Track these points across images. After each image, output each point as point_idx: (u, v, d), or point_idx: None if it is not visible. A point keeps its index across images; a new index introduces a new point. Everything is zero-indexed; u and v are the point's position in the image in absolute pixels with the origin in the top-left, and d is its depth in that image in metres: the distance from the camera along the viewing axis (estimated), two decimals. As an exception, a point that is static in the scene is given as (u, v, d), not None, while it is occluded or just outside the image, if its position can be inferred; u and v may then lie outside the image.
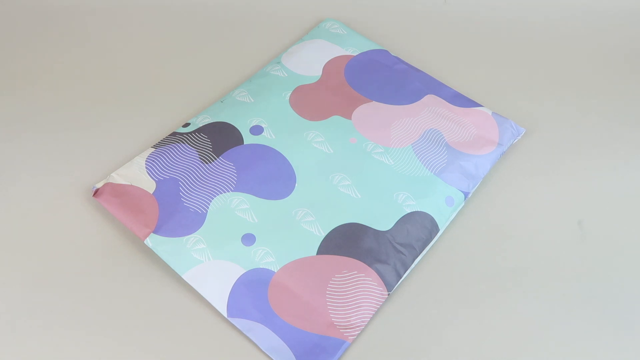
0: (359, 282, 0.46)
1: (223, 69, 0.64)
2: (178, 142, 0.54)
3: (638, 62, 0.66)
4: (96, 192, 0.51)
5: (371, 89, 0.60)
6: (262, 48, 0.66)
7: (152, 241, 0.47)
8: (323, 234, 0.48)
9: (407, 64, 0.63)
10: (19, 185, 0.53)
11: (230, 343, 0.44)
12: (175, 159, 0.53)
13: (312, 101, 0.58)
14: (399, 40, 0.68)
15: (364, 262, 0.47)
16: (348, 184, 0.51)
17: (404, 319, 0.46)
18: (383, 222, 0.49)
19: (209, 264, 0.47)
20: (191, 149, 0.54)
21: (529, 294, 0.48)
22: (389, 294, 0.46)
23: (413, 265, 0.48)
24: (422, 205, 0.50)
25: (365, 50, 0.64)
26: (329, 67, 0.62)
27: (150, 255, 0.49)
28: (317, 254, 0.47)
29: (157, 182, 0.51)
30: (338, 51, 0.63)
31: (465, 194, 0.52)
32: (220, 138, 0.54)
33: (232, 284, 0.46)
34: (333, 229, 0.49)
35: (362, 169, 0.53)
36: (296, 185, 0.51)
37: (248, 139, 0.54)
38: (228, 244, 0.48)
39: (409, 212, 0.50)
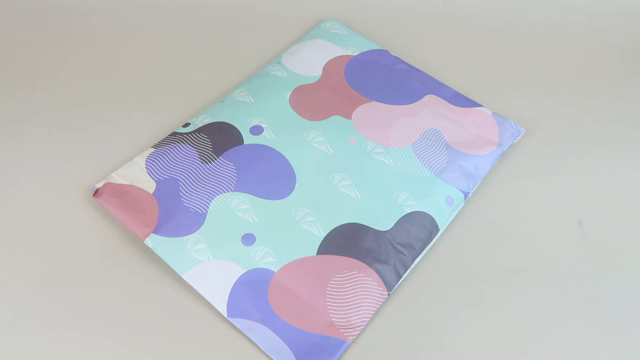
0: (359, 282, 0.46)
1: (223, 69, 0.64)
2: (178, 142, 0.54)
3: (638, 62, 0.66)
4: (96, 192, 0.51)
5: (371, 89, 0.60)
6: (262, 48, 0.66)
7: (152, 241, 0.47)
8: (323, 234, 0.48)
9: (407, 64, 0.63)
10: (19, 185, 0.53)
11: (230, 343, 0.44)
12: (175, 159, 0.53)
13: (312, 101, 0.58)
14: (399, 40, 0.68)
15: (364, 262, 0.47)
16: (348, 184, 0.51)
17: (404, 319, 0.46)
18: (383, 222, 0.49)
19: (209, 264, 0.47)
20: (191, 149, 0.54)
21: (529, 294, 0.48)
22: (389, 294, 0.46)
23: (413, 265, 0.48)
24: (422, 205, 0.50)
25: (365, 50, 0.64)
26: (329, 67, 0.62)
27: (150, 255, 0.49)
28: (317, 254, 0.47)
29: (157, 182, 0.51)
30: (338, 51, 0.63)
31: (465, 194, 0.52)
32: (220, 138, 0.54)
33: (232, 284, 0.46)
34: (333, 229, 0.49)
35: (362, 169, 0.53)
36: (296, 185, 0.51)
37: (248, 139, 0.54)
38: (228, 244, 0.48)
39: (409, 212, 0.50)
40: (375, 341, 0.45)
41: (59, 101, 0.60)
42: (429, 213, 0.50)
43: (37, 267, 0.48)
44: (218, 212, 0.49)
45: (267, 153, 0.53)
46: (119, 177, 0.51)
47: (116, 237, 0.50)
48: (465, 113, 0.58)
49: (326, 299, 0.45)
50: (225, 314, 0.45)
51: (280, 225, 0.49)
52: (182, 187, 0.51)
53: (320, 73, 0.61)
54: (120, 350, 0.44)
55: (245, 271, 0.46)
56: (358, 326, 0.45)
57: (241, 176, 0.52)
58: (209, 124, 0.56)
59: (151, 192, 0.50)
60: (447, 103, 0.59)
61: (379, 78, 0.61)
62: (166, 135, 0.56)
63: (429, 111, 0.58)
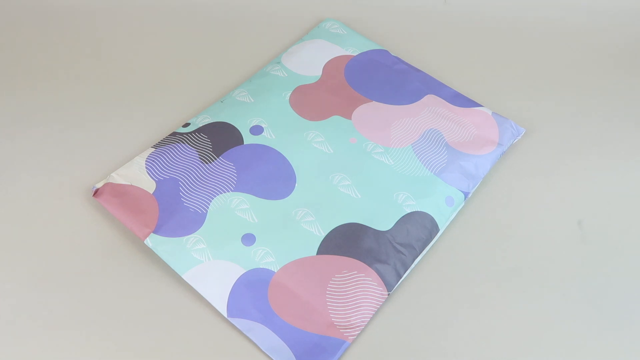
0: (359, 282, 0.46)
1: (223, 69, 0.64)
2: (178, 142, 0.54)
3: (638, 62, 0.66)
4: (96, 192, 0.51)
5: (371, 89, 0.60)
6: (262, 48, 0.66)
7: (152, 241, 0.47)
8: (323, 234, 0.48)
9: (407, 64, 0.63)
10: (19, 185, 0.53)
11: (230, 343, 0.44)
12: (175, 159, 0.53)
13: (312, 101, 0.58)
14: (399, 40, 0.68)
15: (364, 262, 0.47)
16: (348, 184, 0.51)
17: (404, 319, 0.46)
18: (383, 222, 0.49)
19: (209, 264, 0.47)
20: (191, 149, 0.54)
21: (529, 294, 0.48)
22: (389, 294, 0.46)
23: (413, 265, 0.48)
24: (422, 205, 0.50)
25: (365, 50, 0.64)
26: (329, 67, 0.62)
27: (150, 255, 0.49)
28: (317, 254, 0.47)
29: (157, 182, 0.51)
30: (338, 51, 0.64)
31: (465, 194, 0.52)
32: (220, 138, 0.54)
33: (232, 284, 0.46)
34: (333, 229, 0.49)
35: (362, 169, 0.53)
36: (296, 185, 0.51)
37: (248, 139, 0.54)
38: (228, 244, 0.48)
39: (409, 212, 0.50)
40: (375, 341, 0.45)
41: (59, 101, 0.60)
42: (429, 213, 0.50)
43: (37, 267, 0.48)
44: (218, 212, 0.49)
45: (267, 153, 0.53)
46: (119, 177, 0.51)
47: (116, 237, 0.50)
48: (465, 113, 0.58)
49: (326, 299, 0.45)
50: (225, 314, 0.45)
51: (280, 225, 0.49)
52: (182, 187, 0.51)
53: (320, 73, 0.61)
54: (120, 350, 0.44)
55: (245, 271, 0.46)
56: (358, 326, 0.45)
57: (241, 176, 0.52)
58: (209, 124, 0.56)
59: (151, 192, 0.50)
60: (447, 103, 0.59)
61: (379, 78, 0.61)
62: (166, 135, 0.56)
63: (429, 111, 0.58)
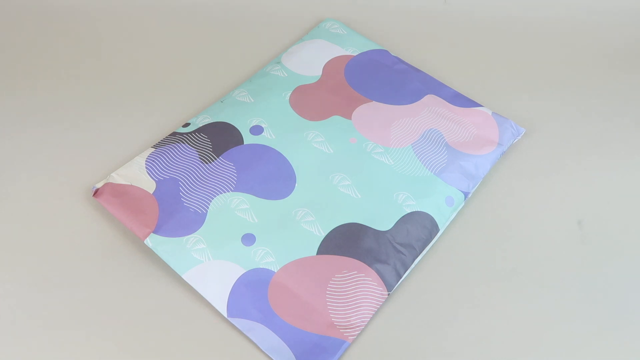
0: (359, 282, 0.46)
1: (223, 69, 0.64)
2: (178, 142, 0.54)
3: (638, 62, 0.66)
4: (96, 192, 0.51)
5: (371, 89, 0.60)
6: (262, 48, 0.66)
7: (152, 241, 0.47)
8: (323, 234, 0.48)
9: (407, 64, 0.63)
10: (19, 185, 0.53)
11: (230, 343, 0.44)
12: (175, 159, 0.53)
13: (312, 101, 0.58)
14: (399, 40, 0.68)
15: (364, 262, 0.47)
16: (348, 184, 0.51)
17: (404, 319, 0.46)
18: (383, 222, 0.49)
19: (209, 264, 0.47)
20: (191, 149, 0.54)
21: (529, 293, 0.48)
22: (389, 294, 0.46)
23: (413, 265, 0.48)
24: (422, 205, 0.50)
25: (365, 50, 0.64)
26: (329, 67, 0.62)
27: (150, 255, 0.49)
28: (317, 254, 0.47)
29: (157, 182, 0.51)
30: (338, 51, 0.64)
31: (465, 194, 0.52)
32: (220, 138, 0.54)
33: (232, 284, 0.46)
34: (333, 229, 0.49)
35: (362, 169, 0.53)
36: (296, 185, 0.51)
37: (248, 139, 0.54)
38: (228, 244, 0.48)
39: (409, 212, 0.50)
40: (375, 341, 0.45)
41: (59, 101, 0.60)
42: (429, 213, 0.50)
43: (37, 267, 0.48)
44: (218, 212, 0.49)
45: (267, 153, 0.53)
46: (119, 177, 0.51)
47: (116, 237, 0.50)
48: (465, 113, 0.58)
49: (326, 299, 0.45)
50: (225, 314, 0.45)
51: (280, 225, 0.49)
52: (182, 187, 0.51)
53: (320, 73, 0.61)
54: (120, 350, 0.44)
55: (245, 271, 0.46)
56: (358, 326, 0.45)
57: (241, 176, 0.52)
58: (209, 124, 0.56)
59: (151, 192, 0.50)
60: (447, 103, 0.59)
61: (379, 78, 0.61)
62: (166, 135, 0.56)
63: (429, 111, 0.58)
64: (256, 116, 0.56)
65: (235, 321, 0.45)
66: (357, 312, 0.45)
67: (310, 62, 0.62)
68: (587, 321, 0.46)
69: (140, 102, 0.60)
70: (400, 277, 0.47)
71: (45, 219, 0.51)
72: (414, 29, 0.69)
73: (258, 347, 0.44)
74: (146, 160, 0.53)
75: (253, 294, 0.45)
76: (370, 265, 0.47)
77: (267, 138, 0.54)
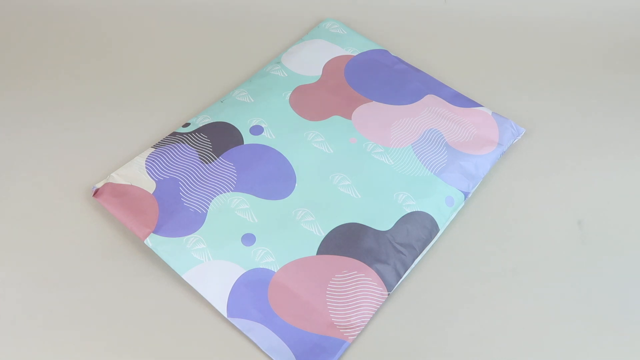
0: (359, 282, 0.46)
1: (223, 69, 0.64)
2: (178, 142, 0.54)
3: (638, 62, 0.66)
4: (96, 192, 0.51)
5: (371, 89, 0.60)
6: (262, 48, 0.66)
7: (152, 241, 0.47)
8: (323, 234, 0.48)
9: (407, 64, 0.63)
10: (19, 185, 0.53)
11: (230, 343, 0.44)
12: (175, 159, 0.53)
13: (312, 101, 0.58)
14: (399, 40, 0.68)
15: (364, 262, 0.47)
16: (348, 184, 0.51)
17: (404, 319, 0.46)
18: (383, 222, 0.49)
19: (209, 264, 0.47)
20: (191, 149, 0.54)
21: (529, 294, 0.48)
22: (389, 294, 0.46)
23: (413, 265, 0.48)
24: (422, 205, 0.50)
25: (365, 50, 0.64)
26: (329, 67, 0.62)
27: (150, 255, 0.49)
28: (317, 254, 0.47)
29: (157, 182, 0.51)
30: (338, 51, 0.64)
31: (465, 194, 0.52)
32: (220, 138, 0.54)
33: (232, 284, 0.46)
34: (333, 229, 0.49)
35: (362, 169, 0.53)
36: (296, 185, 0.51)
37: (248, 139, 0.54)
38: (228, 244, 0.48)
39: (409, 212, 0.50)
40: (375, 341, 0.45)
41: (59, 101, 0.60)
42: (429, 213, 0.50)
43: (37, 267, 0.48)
44: (218, 212, 0.49)
45: (267, 153, 0.53)
46: (119, 177, 0.51)
47: (116, 237, 0.50)
48: (465, 113, 0.58)
49: (326, 299, 0.45)
50: (225, 314, 0.45)
51: (280, 225, 0.49)
52: (182, 187, 0.51)
53: (320, 73, 0.61)
54: (120, 350, 0.44)
55: (245, 271, 0.46)
56: (358, 326, 0.45)
57: (241, 176, 0.52)
58: (209, 124, 0.56)
59: (151, 192, 0.50)
60: (447, 103, 0.59)
61: (379, 78, 0.61)
62: (166, 135, 0.56)
63: (429, 111, 0.58)
64: (256, 116, 0.56)
65: (235, 321, 0.45)
66: (357, 312, 0.45)
67: (310, 62, 0.62)
68: (587, 321, 0.46)
69: (140, 102, 0.60)
70: (400, 277, 0.47)
71: (45, 219, 0.51)
72: (414, 29, 0.69)
73: (258, 347, 0.44)
74: (146, 160, 0.53)
75: (253, 294, 0.45)
76: (370, 265, 0.47)
77: (267, 138, 0.54)
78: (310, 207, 0.50)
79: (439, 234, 0.50)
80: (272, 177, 0.52)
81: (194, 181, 0.51)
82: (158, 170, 0.52)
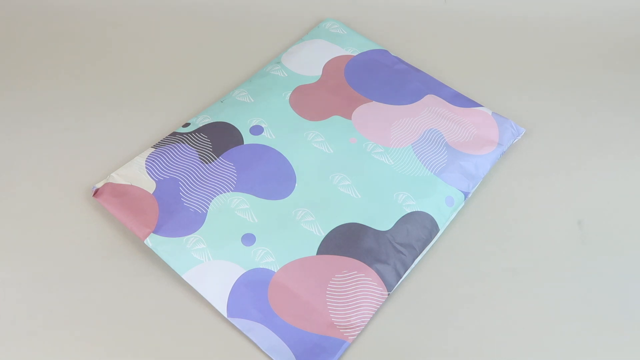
0: (359, 282, 0.46)
1: (223, 69, 0.64)
2: (178, 142, 0.54)
3: (638, 62, 0.66)
4: (96, 192, 0.51)
5: (371, 89, 0.60)
6: (262, 48, 0.66)
7: (152, 241, 0.47)
8: (323, 234, 0.48)
9: (407, 64, 0.63)
10: (19, 185, 0.53)
11: (230, 343, 0.44)
12: (175, 159, 0.53)
13: (312, 101, 0.58)
14: (399, 40, 0.68)
15: (364, 262, 0.47)
16: (348, 184, 0.51)
17: (404, 319, 0.46)
18: (383, 222, 0.49)
19: (209, 264, 0.47)
20: (191, 149, 0.54)
21: (529, 294, 0.48)
22: (389, 294, 0.46)
23: (413, 265, 0.48)
24: (422, 205, 0.50)
25: (365, 50, 0.64)
26: (329, 67, 0.62)
27: (150, 255, 0.49)
28: (317, 254, 0.47)
29: (157, 182, 0.51)
30: (338, 51, 0.64)
31: (465, 194, 0.52)
32: (220, 138, 0.54)
33: (232, 284, 0.46)
34: (333, 229, 0.49)
35: (362, 169, 0.53)
36: (296, 185, 0.51)
37: (248, 139, 0.54)
38: (228, 244, 0.48)
39: (409, 212, 0.50)
40: (375, 341, 0.45)
41: (59, 101, 0.60)
42: (429, 213, 0.50)
43: (37, 267, 0.48)
44: (218, 212, 0.49)
45: (267, 153, 0.53)
46: (119, 177, 0.51)
47: (116, 237, 0.50)
48: (465, 113, 0.58)
49: (326, 299, 0.45)
50: (225, 314, 0.45)
51: (280, 225, 0.49)
52: (182, 187, 0.51)
53: (320, 73, 0.61)
54: (120, 350, 0.44)
55: (245, 271, 0.46)
56: (358, 326, 0.45)
57: (241, 176, 0.52)
58: (209, 124, 0.56)
59: (151, 192, 0.50)
60: (447, 103, 0.59)
61: (379, 78, 0.61)
62: (166, 135, 0.56)
63: (429, 111, 0.58)
64: (256, 116, 0.56)
65: (235, 321, 0.45)
66: (357, 312, 0.45)
67: (310, 62, 0.62)
68: (587, 321, 0.46)
69: (140, 102, 0.60)
70: (400, 277, 0.47)
71: (45, 219, 0.51)
72: (414, 29, 0.69)
73: (258, 347, 0.44)
74: (146, 160, 0.53)
75: (253, 294, 0.45)
76: (370, 265, 0.47)
77: (267, 138, 0.54)
78: (310, 207, 0.50)
79: (439, 234, 0.50)
80: (272, 177, 0.52)
81: (194, 181, 0.51)
82: (158, 170, 0.52)
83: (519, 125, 0.58)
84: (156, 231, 0.48)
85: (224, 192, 0.50)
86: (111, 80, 0.62)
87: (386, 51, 0.64)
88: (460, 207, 0.52)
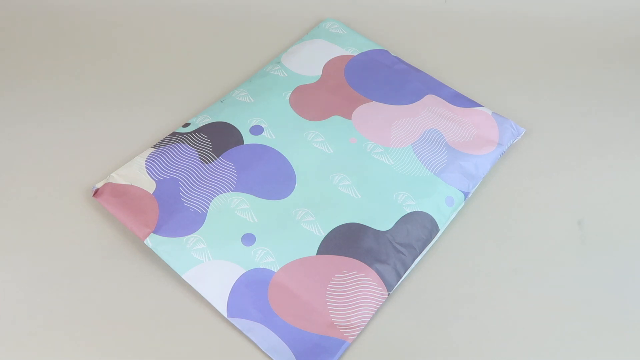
0: (359, 282, 0.46)
1: (223, 69, 0.64)
2: (178, 142, 0.54)
3: (638, 62, 0.66)
4: (96, 192, 0.51)
5: (371, 89, 0.60)
6: (262, 48, 0.66)
7: (152, 241, 0.47)
8: (323, 234, 0.48)
9: (407, 64, 0.63)
10: (19, 185, 0.53)
11: (230, 343, 0.44)
12: (175, 159, 0.53)
13: (312, 101, 0.58)
14: (399, 40, 0.68)
15: (364, 262, 0.47)
16: (348, 184, 0.51)
17: (404, 319, 0.46)
18: (383, 222, 0.49)
19: (209, 264, 0.47)
20: (191, 149, 0.54)
21: (529, 294, 0.48)
22: (389, 294, 0.46)
23: (413, 265, 0.48)
24: (422, 205, 0.50)
25: (365, 50, 0.64)
26: (329, 67, 0.62)
27: (150, 255, 0.49)
28: (317, 254, 0.47)
29: (157, 182, 0.51)
30: (338, 51, 0.64)
31: (465, 194, 0.52)
32: (220, 138, 0.54)
33: (232, 284, 0.46)
34: (333, 229, 0.49)
35: (362, 169, 0.53)
36: (296, 185, 0.51)
37: (248, 139, 0.54)
38: (228, 244, 0.48)
39: (409, 212, 0.50)
40: (375, 341, 0.45)
41: (59, 101, 0.60)
42: (429, 213, 0.50)
43: (37, 267, 0.48)
44: (218, 212, 0.49)
45: (267, 153, 0.53)
46: (119, 177, 0.51)
47: (116, 237, 0.50)
48: (465, 113, 0.58)
49: (326, 299, 0.45)
50: (225, 314, 0.45)
51: (280, 225, 0.49)
52: (182, 187, 0.51)
53: (320, 73, 0.61)
54: (120, 350, 0.44)
55: (245, 271, 0.46)
56: (358, 326, 0.45)
57: (241, 176, 0.52)
58: (209, 124, 0.56)
59: (151, 192, 0.50)
60: (447, 103, 0.59)
61: (379, 78, 0.61)
62: (166, 135, 0.56)
63: (429, 111, 0.58)
64: (256, 116, 0.56)
65: (235, 321, 0.45)
66: (357, 312, 0.45)
67: (310, 62, 0.62)
68: (587, 321, 0.46)
69: (140, 102, 0.60)
70: (400, 277, 0.47)
71: (45, 219, 0.51)
72: (414, 29, 0.69)
73: (258, 347, 0.44)
74: (146, 160, 0.53)
75: (253, 294, 0.45)
76: (370, 265, 0.47)
77: (267, 138, 0.54)
78: (310, 207, 0.50)
79: (439, 234, 0.50)
80: (272, 177, 0.52)
81: (194, 181, 0.51)
82: (158, 170, 0.52)
83: (519, 125, 0.58)
84: (156, 231, 0.48)
85: (224, 192, 0.51)
86: (111, 80, 0.62)
87: (386, 51, 0.64)
88: (460, 207, 0.52)
